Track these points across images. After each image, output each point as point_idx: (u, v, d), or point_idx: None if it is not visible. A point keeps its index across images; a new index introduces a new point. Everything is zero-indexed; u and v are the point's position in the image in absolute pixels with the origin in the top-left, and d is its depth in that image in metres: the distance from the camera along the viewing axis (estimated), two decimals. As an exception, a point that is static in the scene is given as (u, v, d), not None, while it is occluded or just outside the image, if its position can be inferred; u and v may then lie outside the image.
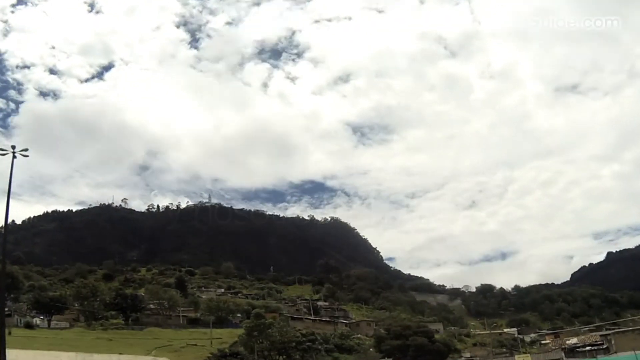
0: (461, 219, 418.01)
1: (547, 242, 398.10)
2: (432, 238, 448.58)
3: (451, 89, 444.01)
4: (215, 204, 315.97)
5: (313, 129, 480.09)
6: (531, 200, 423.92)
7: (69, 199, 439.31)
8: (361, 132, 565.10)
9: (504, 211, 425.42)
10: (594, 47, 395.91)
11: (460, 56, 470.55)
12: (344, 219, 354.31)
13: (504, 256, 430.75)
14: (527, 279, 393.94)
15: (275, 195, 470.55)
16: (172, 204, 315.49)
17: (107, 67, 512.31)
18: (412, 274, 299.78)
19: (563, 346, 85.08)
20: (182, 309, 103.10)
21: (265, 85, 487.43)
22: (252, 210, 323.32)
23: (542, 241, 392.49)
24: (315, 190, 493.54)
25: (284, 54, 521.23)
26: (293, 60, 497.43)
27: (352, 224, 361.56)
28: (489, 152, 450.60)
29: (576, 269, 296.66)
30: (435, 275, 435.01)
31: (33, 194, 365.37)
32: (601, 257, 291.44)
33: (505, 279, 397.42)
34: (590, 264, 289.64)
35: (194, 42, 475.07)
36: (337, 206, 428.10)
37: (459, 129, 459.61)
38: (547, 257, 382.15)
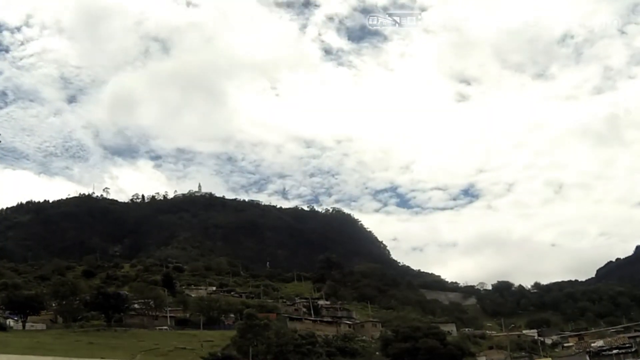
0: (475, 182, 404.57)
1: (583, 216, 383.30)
2: (438, 214, 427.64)
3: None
4: (206, 193, 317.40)
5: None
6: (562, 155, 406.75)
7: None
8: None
9: (526, 174, 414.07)
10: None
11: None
12: (346, 210, 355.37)
13: (525, 238, 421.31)
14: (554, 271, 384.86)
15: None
16: (158, 193, 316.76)
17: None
18: (422, 270, 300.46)
19: (588, 349, 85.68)
20: (169, 308, 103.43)
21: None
22: (247, 200, 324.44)
23: (577, 213, 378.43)
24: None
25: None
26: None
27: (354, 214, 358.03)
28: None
29: (602, 265, 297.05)
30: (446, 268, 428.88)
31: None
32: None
33: (527, 270, 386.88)
34: (618, 259, 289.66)
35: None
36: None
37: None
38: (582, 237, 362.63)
